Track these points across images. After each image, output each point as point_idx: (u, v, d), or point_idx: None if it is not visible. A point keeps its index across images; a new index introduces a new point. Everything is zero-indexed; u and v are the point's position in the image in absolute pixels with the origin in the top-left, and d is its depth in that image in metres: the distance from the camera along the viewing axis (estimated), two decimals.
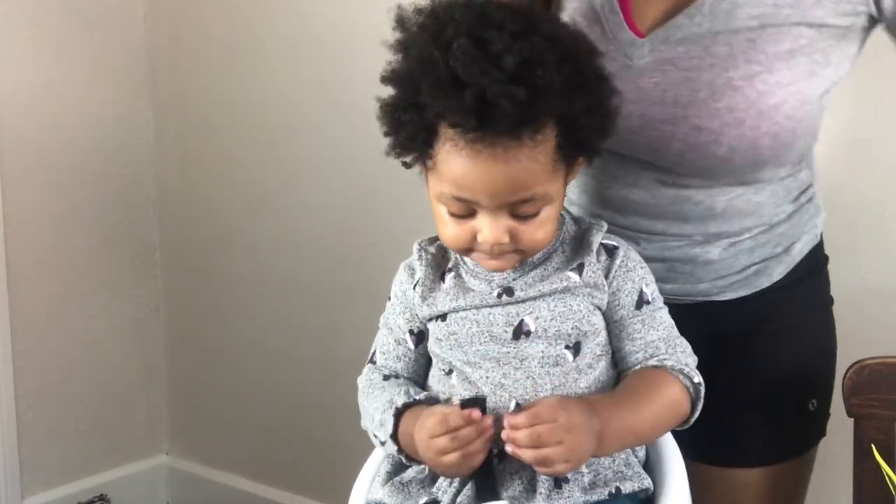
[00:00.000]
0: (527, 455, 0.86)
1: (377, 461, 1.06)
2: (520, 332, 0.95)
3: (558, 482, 0.92)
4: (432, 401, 0.98)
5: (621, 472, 0.96)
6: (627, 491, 0.95)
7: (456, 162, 0.89)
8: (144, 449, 2.56)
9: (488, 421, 0.89)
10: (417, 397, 0.98)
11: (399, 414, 0.96)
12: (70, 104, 2.32)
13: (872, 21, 1.03)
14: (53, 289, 2.32)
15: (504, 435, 0.87)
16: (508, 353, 0.96)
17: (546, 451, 0.85)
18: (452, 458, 0.88)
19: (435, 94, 0.87)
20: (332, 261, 2.20)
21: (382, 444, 0.99)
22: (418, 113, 0.90)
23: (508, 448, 0.87)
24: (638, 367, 0.97)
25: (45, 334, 2.31)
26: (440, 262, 1.03)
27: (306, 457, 2.32)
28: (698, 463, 1.10)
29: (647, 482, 0.97)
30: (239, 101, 2.31)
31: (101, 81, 2.38)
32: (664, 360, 0.96)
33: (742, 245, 1.12)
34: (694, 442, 1.04)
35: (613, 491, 0.94)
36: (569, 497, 0.92)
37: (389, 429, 0.96)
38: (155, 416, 2.58)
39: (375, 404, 1.00)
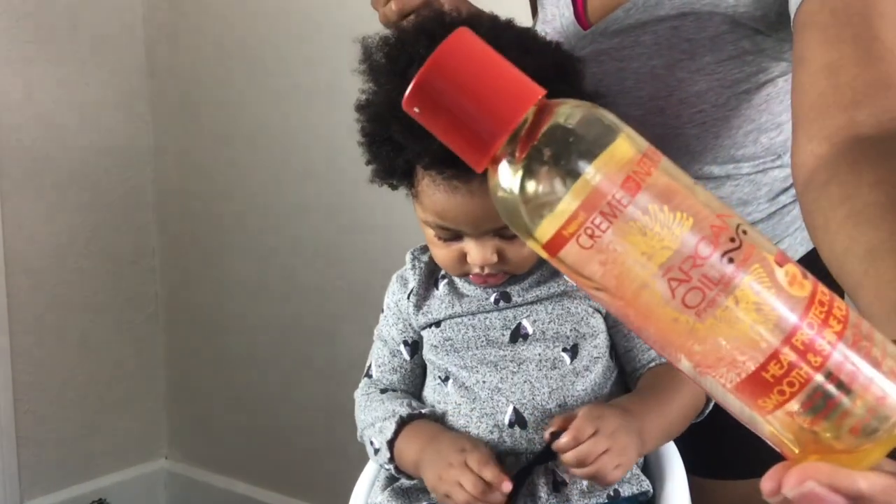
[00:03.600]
0: (578, 473, 0.86)
1: (376, 466, 1.05)
2: (517, 335, 0.95)
3: (557, 485, 0.92)
4: (436, 415, 0.98)
5: None
6: (626, 494, 0.94)
7: (435, 196, 0.89)
8: (143, 453, 2.56)
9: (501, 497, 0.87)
10: (423, 410, 0.98)
11: (402, 423, 0.96)
12: (69, 108, 2.32)
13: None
14: (52, 292, 2.32)
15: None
16: (506, 356, 0.95)
17: (596, 466, 0.85)
18: (462, 497, 0.87)
19: (405, 138, 0.87)
20: (331, 265, 2.20)
21: (376, 451, 0.98)
22: (394, 150, 0.89)
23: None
24: (652, 364, 0.97)
25: (44, 338, 2.31)
26: (433, 270, 1.02)
27: (305, 461, 2.32)
28: (715, 479, 1.09)
29: (647, 485, 0.96)
30: (238, 104, 2.31)
31: (100, 85, 2.38)
32: None
33: None
34: (708, 458, 1.04)
35: (612, 494, 0.93)
36: (567, 501, 0.92)
37: (389, 435, 0.95)
38: (154, 420, 2.58)
39: (375, 413, 1.00)
